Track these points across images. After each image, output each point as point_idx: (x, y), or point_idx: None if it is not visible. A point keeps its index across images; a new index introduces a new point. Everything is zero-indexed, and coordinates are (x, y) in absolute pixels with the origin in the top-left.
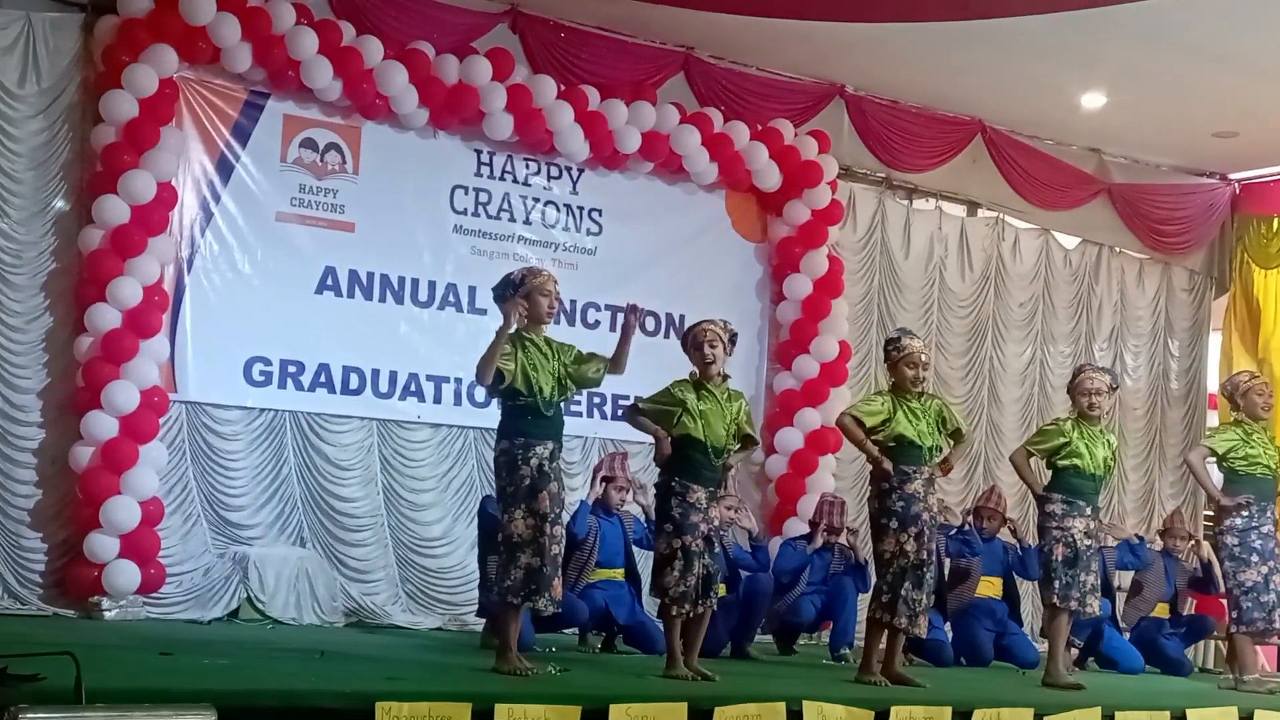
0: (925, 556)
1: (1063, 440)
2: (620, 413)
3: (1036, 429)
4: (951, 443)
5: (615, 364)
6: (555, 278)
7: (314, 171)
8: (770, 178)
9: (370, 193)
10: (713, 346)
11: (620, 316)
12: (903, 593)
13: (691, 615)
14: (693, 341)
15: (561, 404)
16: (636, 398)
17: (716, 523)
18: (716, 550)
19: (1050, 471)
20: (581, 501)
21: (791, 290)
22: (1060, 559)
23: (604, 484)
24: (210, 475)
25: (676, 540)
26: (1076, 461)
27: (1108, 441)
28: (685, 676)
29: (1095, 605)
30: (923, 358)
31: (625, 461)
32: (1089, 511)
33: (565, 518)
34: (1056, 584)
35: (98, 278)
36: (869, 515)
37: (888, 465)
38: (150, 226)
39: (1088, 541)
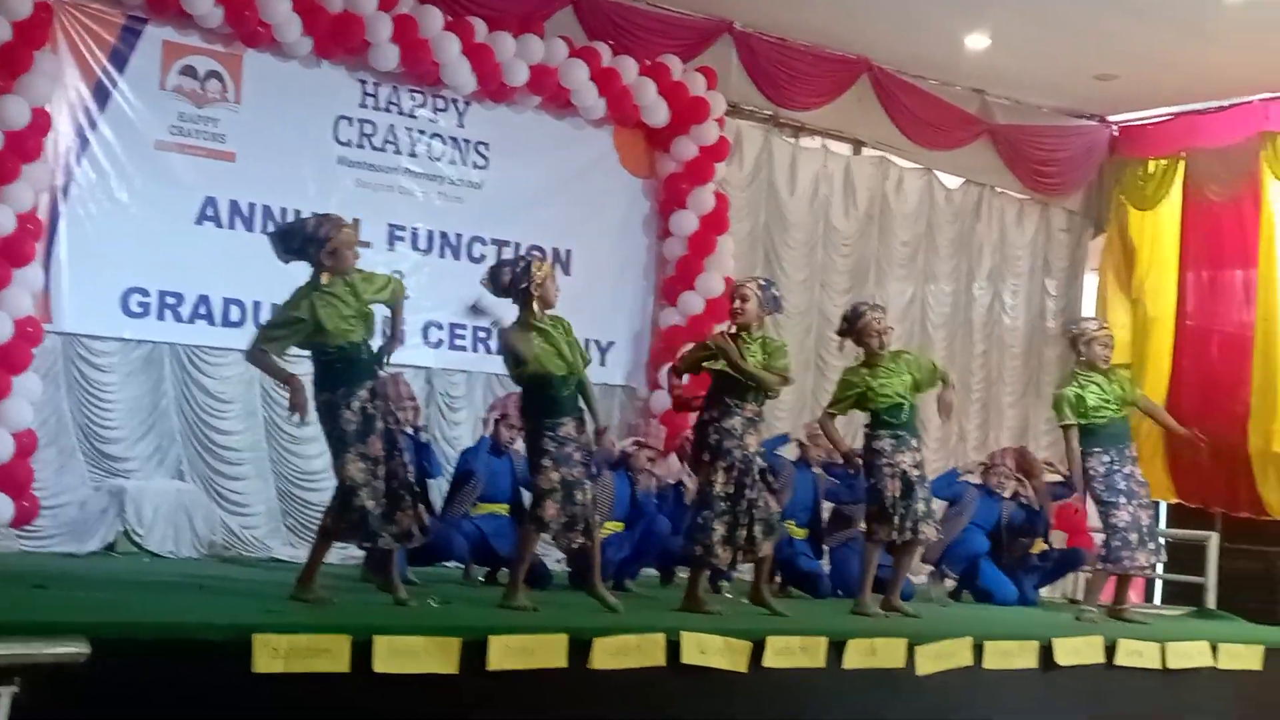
0: (734, 490)
1: (859, 390)
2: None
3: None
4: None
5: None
6: (355, 229)
7: (194, 99)
8: (658, 113)
9: (252, 122)
10: (543, 286)
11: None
12: (700, 521)
13: (574, 546)
14: (536, 286)
15: (370, 344)
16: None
17: (593, 450)
18: (596, 476)
19: (869, 415)
20: (482, 437)
21: (678, 227)
22: (896, 494)
23: (497, 423)
24: (87, 407)
25: (555, 474)
26: (884, 401)
27: (901, 366)
28: (525, 607)
29: (930, 530)
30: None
31: (518, 401)
32: (914, 443)
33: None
34: (896, 519)
35: None
36: (691, 448)
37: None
38: (24, 153)
39: (917, 472)
